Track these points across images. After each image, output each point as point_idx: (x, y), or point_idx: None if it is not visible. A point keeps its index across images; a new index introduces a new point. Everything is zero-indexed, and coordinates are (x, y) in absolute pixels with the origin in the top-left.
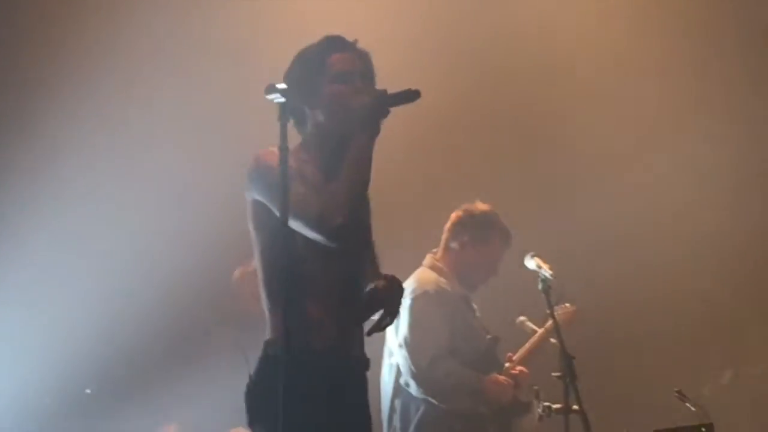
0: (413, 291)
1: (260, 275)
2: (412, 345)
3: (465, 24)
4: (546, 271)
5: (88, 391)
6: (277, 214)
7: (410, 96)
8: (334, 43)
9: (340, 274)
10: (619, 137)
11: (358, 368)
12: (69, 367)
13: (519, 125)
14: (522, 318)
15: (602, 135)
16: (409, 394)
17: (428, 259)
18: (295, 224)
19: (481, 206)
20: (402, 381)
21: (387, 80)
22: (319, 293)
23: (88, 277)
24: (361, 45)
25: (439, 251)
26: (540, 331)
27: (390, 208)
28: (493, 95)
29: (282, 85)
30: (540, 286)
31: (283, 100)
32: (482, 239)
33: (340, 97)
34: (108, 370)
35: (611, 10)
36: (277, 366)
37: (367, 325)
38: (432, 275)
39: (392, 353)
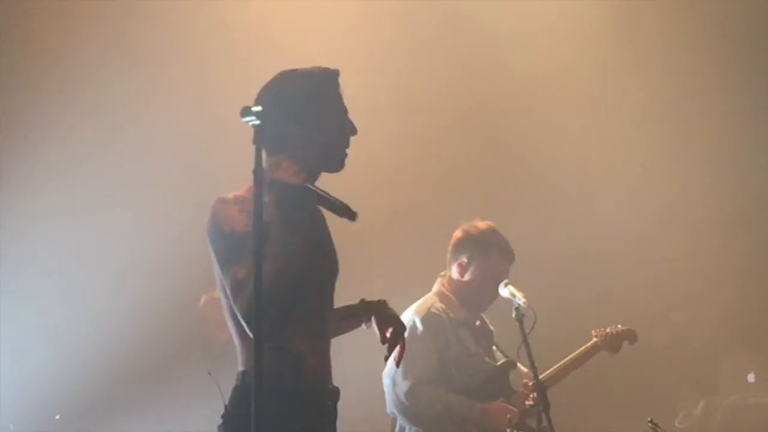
0: (407, 319)
1: (226, 307)
2: (394, 374)
3: (441, 38)
4: (520, 299)
5: (57, 417)
6: (223, 280)
7: (346, 214)
8: (335, 77)
9: (311, 304)
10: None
11: (331, 400)
12: (36, 393)
13: (500, 144)
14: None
15: (574, 154)
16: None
17: (436, 283)
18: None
19: (479, 224)
20: (388, 410)
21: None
22: (291, 324)
23: (58, 298)
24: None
25: (445, 275)
26: (567, 359)
27: (375, 234)
28: (474, 116)
29: (258, 108)
30: (513, 315)
31: (258, 122)
32: (481, 258)
33: (342, 136)
34: (77, 396)
35: (590, 24)
36: (250, 397)
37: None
38: (430, 302)
39: None
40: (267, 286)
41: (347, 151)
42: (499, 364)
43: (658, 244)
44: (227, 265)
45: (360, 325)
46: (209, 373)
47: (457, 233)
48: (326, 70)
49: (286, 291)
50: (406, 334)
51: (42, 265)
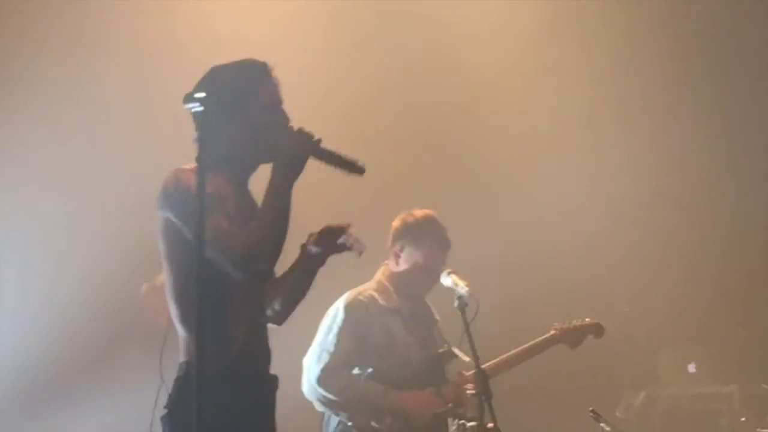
0: (335, 306)
1: (170, 294)
2: (308, 361)
3: (371, 31)
4: (462, 288)
5: None
6: (191, 238)
7: (352, 167)
8: (261, 70)
9: (249, 292)
10: (531, 145)
11: (270, 387)
12: None
13: (439, 133)
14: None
15: (514, 143)
16: None
17: (378, 272)
18: (212, 255)
19: (417, 212)
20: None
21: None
22: (230, 313)
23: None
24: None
25: (386, 263)
26: (518, 349)
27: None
28: (400, 105)
29: (201, 94)
30: (456, 304)
31: (201, 109)
32: (415, 245)
33: (267, 131)
34: (17, 385)
35: (526, 19)
36: (192, 386)
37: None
38: (361, 289)
39: None
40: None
41: (284, 141)
42: (432, 353)
43: (604, 238)
44: (202, 219)
45: (312, 266)
46: (162, 379)
47: (395, 222)
48: (254, 63)
49: (224, 278)
50: (327, 321)
51: None
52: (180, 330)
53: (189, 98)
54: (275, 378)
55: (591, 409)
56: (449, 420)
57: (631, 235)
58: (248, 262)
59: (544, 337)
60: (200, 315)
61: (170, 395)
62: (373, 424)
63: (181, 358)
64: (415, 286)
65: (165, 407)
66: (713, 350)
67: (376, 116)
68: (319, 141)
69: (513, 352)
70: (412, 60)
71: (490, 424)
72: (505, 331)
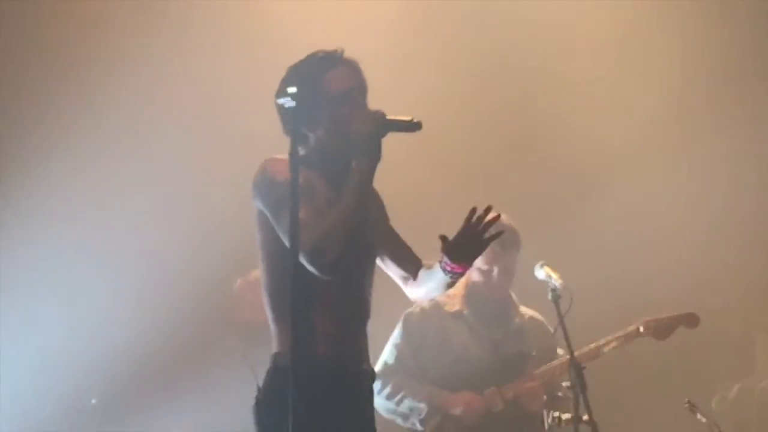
0: None
1: (265, 286)
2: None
3: (461, 30)
4: (556, 281)
5: (93, 401)
6: (277, 227)
7: (412, 126)
8: (325, 60)
9: (346, 286)
10: (623, 142)
11: (366, 381)
12: (73, 377)
13: (519, 132)
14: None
15: (606, 140)
16: None
17: None
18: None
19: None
20: None
21: (382, 92)
22: (326, 305)
23: (93, 282)
24: (347, 53)
25: None
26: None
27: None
28: (491, 103)
29: (293, 89)
30: (550, 296)
31: (293, 104)
32: None
33: (343, 121)
34: (113, 379)
35: (611, 14)
36: (286, 379)
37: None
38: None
39: None
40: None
41: (356, 128)
42: (502, 354)
43: (693, 230)
44: (284, 209)
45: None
46: (243, 356)
47: None
48: (318, 53)
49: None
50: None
51: (73, 247)
52: (272, 322)
53: (281, 93)
54: (371, 372)
55: (687, 400)
56: (545, 413)
57: (722, 227)
58: (316, 254)
59: (629, 329)
60: (295, 306)
61: (260, 386)
62: (419, 425)
63: (274, 349)
64: (483, 289)
65: (255, 398)
66: None
67: (464, 118)
68: (384, 115)
69: (597, 343)
70: (502, 61)
71: (585, 417)
72: (595, 324)
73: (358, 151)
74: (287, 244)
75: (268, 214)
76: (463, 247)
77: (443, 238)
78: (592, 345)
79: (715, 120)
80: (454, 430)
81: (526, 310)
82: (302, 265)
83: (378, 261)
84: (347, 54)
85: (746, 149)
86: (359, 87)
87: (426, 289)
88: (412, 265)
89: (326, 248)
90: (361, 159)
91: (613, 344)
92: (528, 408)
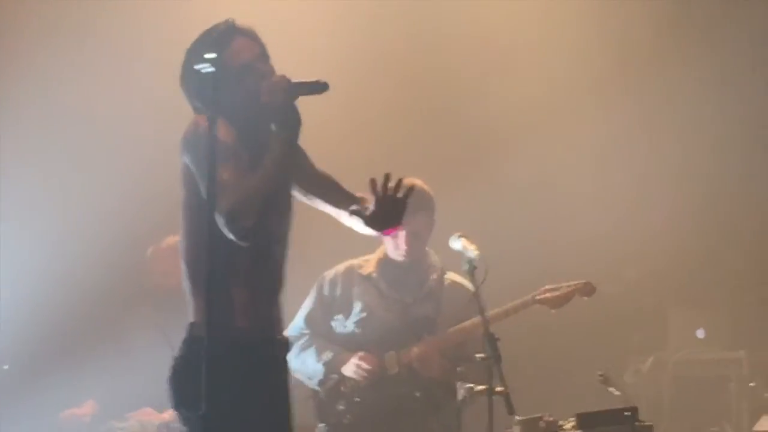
0: None
1: (183, 253)
2: None
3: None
4: (472, 252)
5: (5, 367)
6: (203, 190)
7: (318, 87)
8: (222, 36)
9: (262, 255)
10: (539, 108)
11: (282, 351)
12: None
13: (433, 99)
14: None
15: (522, 106)
16: None
17: None
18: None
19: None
20: None
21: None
22: (240, 274)
23: (2, 245)
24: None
25: None
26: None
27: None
28: (402, 68)
29: (212, 55)
30: (465, 267)
31: (212, 69)
32: None
33: (252, 94)
34: (24, 345)
35: None
36: (201, 349)
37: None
38: (351, 261)
39: None
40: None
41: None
42: (406, 318)
43: (610, 200)
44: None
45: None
46: (157, 326)
47: None
48: (215, 28)
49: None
50: None
51: None
52: (188, 292)
53: (199, 60)
54: (285, 342)
55: (600, 373)
56: (457, 384)
57: (639, 198)
58: (232, 218)
59: (525, 298)
60: (210, 275)
61: (176, 357)
62: (317, 386)
63: (190, 318)
64: (392, 252)
65: (171, 367)
66: (722, 316)
67: (379, 80)
68: (289, 81)
69: (493, 311)
70: (416, 25)
71: (499, 388)
72: (504, 290)
73: (275, 120)
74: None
75: (194, 171)
76: (383, 216)
77: (355, 212)
78: (489, 313)
79: (633, 84)
80: (349, 391)
81: (451, 275)
82: (219, 230)
83: (315, 204)
84: (241, 21)
85: (664, 116)
86: (260, 55)
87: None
88: (345, 203)
89: (243, 213)
90: (281, 127)
91: (508, 312)
92: (423, 373)
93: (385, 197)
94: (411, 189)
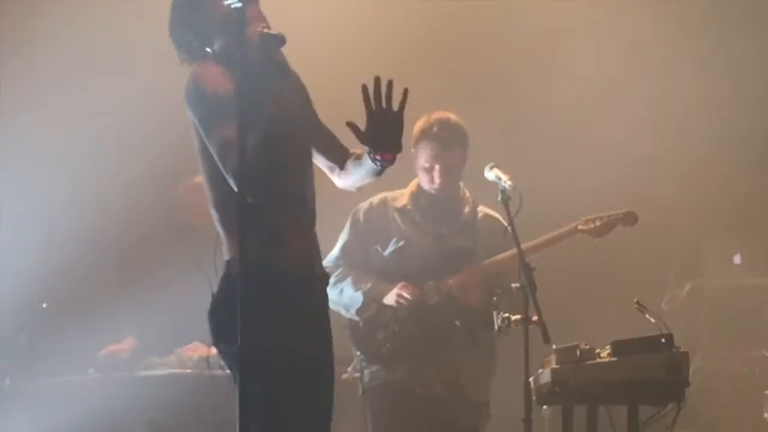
0: None
1: (211, 200)
2: None
3: None
4: (505, 182)
5: (44, 305)
6: (207, 143)
7: (279, 39)
8: None
9: (294, 188)
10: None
11: (320, 284)
12: (23, 282)
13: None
14: None
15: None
16: None
17: None
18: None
19: (426, 116)
20: None
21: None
22: (274, 210)
23: (39, 186)
24: None
25: None
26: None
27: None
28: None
29: None
30: (500, 198)
31: (240, 5)
32: (414, 146)
33: (240, 44)
34: (62, 284)
35: None
36: (237, 285)
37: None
38: (384, 193)
39: None
40: (250, 157)
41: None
42: (443, 249)
43: (648, 126)
44: (213, 127)
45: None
46: (197, 265)
47: None
48: None
49: (270, 162)
50: None
51: (17, 147)
52: (221, 229)
53: (175, 26)
54: (323, 275)
55: (636, 300)
56: (494, 313)
57: (677, 124)
58: (239, 180)
59: (567, 227)
60: (243, 209)
61: (215, 293)
62: (356, 314)
63: (225, 256)
64: (426, 185)
65: (210, 304)
66: (759, 241)
67: (389, 18)
68: (261, 35)
69: (532, 242)
70: None
71: (535, 318)
72: (539, 220)
73: (266, 72)
74: (217, 160)
75: (198, 127)
76: (379, 131)
77: (352, 125)
78: (531, 243)
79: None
80: (388, 320)
81: (483, 209)
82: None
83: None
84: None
85: (712, 43)
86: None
87: (354, 178)
88: (338, 156)
89: (251, 173)
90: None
91: (551, 241)
92: (463, 302)
93: (378, 108)
94: (405, 97)
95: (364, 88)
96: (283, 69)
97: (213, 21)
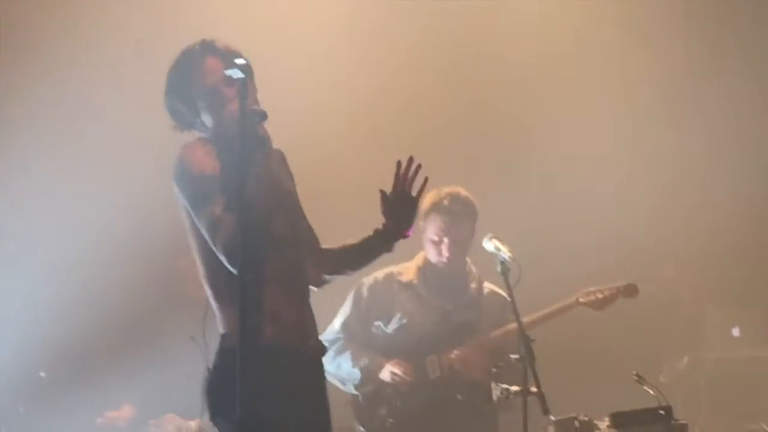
0: None
1: (203, 276)
2: None
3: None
4: (504, 253)
5: (42, 374)
6: (199, 224)
7: (261, 114)
8: (199, 52)
9: (287, 263)
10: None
11: (315, 356)
12: (22, 351)
13: (471, 96)
14: None
15: (550, 106)
16: None
17: None
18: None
19: (437, 190)
20: None
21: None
22: (270, 284)
23: (40, 258)
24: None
25: None
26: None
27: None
28: (442, 64)
29: (242, 60)
30: (499, 269)
31: (242, 76)
32: (423, 219)
33: (220, 119)
34: (61, 352)
35: None
36: (234, 360)
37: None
38: (392, 268)
39: None
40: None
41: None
42: (449, 325)
43: (645, 199)
44: (202, 206)
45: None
46: (192, 338)
47: None
48: (187, 49)
49: (258, 236)
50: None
51: (22, 220)
52: (215, 306)
53: (230, 64)
54: (320, 346)
55: (635, 372)
56: (492, 384)
57: (674, 197)
58: (229, 255)
59: (568, 300)
60: (243, 284)
61: (210, 368)
62: (354, 390)
63: (220, 330)
64: (433, 260)
65: (206, 379)
66: (758, 313)
67: (407, 83)
68: (241, 111)
69: (534, 315)
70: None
71: (534, 389)
72: (539, 291)
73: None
74: (207, 237)
75: (187, 206)
76: (397, 207)
77: (382, 193)
78: (533, 316)
79: (664, 83)
80: (390, 396)
81: (488, 285)
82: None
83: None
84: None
85: (696, 112)
86: (226, 79)
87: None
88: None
89: (237, 248)
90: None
91: (552, 315)
92: (465, 376)
93: (401, 185)
94: (424, 185)
95: (398, 163)
96: (265, 143)
97: (201, 93)
